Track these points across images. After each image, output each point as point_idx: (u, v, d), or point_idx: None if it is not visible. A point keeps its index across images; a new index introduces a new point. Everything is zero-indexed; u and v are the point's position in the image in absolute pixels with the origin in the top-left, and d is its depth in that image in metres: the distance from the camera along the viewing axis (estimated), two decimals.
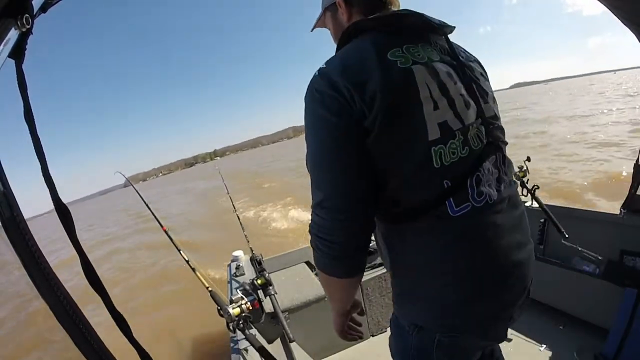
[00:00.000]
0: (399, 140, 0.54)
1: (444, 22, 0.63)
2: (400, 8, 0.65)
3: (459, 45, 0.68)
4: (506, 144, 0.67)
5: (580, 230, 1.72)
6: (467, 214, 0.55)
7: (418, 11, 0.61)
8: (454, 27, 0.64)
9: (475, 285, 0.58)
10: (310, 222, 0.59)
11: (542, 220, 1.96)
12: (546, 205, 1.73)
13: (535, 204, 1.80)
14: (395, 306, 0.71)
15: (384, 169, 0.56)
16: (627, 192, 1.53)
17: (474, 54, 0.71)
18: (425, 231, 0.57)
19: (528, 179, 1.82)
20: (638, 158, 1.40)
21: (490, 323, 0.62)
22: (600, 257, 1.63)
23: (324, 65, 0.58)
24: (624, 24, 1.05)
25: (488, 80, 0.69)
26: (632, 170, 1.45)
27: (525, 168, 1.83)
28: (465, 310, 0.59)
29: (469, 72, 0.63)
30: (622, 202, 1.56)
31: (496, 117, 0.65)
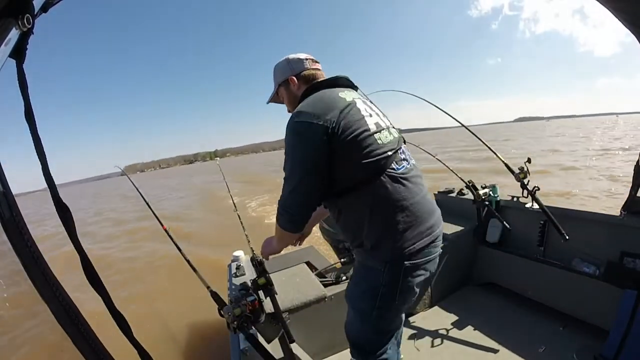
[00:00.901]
0: (358, 136, 0.88)
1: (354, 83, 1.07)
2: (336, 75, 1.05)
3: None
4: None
5: (581, 231, 1.71)
6: (404, 171, 0.93)
7: (344, 75, 1.04)
8: (357, 86, 1.08)
9: (421, 213, 0.93)
10: (280, 198, 0.94)
11: (542, 221, 1.95)
12: (546, 206, 1.72)
13: (536, 205, 1.79)
14: (361, 257, 1.00)
15: (355, 151, 0.87)
16: (627, 194, 1.53)
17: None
18: (388, 181, 0.89)
19: (529, 181, 1.80)
20: (638, 160, 1.40)
21: (430, 242, 0.94)
22: (600, 259, 1.63)
23: (301, 109, 0.90)
24: (625, 26, 1.05)
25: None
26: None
27: (525, 169, 1.81)
28: (418, 232, 0.91)
29: (375, 105, 1.05)
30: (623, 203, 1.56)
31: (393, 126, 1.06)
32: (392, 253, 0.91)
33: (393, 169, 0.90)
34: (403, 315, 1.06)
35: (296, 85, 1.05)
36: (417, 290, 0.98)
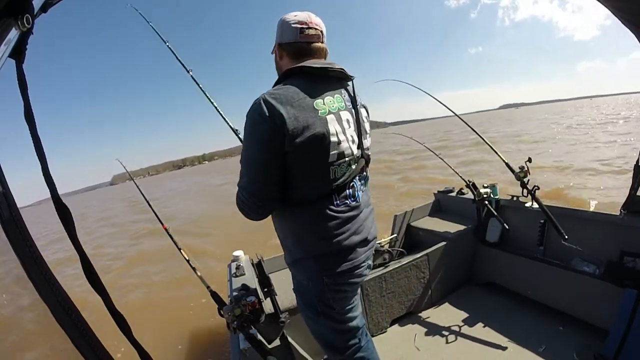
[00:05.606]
0: (314, 161, 0.82)
1: (350, 74, 0.92)
2: (327, 60, 0.90)
3: (357, 93, 0.96)
4: (368, 165, 0.99)
5: (580, 231, 1.71)
6: (343, 209, 0.88)
7: (337, 64, 0.87)
8: (354, 77, 0.94)
9: (347, 245, 0.89)
10: (237, 193, 0.87)
11: (542, 221, 1.95)
12: (546, 205, 1.72)
13: (536, 205, 1.79)
14: (293, 270, 0.99)
15: (298, 176, 0.82)
16: (627, 193, 1.53)
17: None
18: (321, 213, 0.86)
19: (529, 180, 1.80)
20: (638, 159, 1.40)
21: (355, 267, 0.92)
22: (600, 258, 1.63)
23: (267, 96, 0.78)
24: (625, 25, 1.05)
25: (369, 121, 0.98)
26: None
27: (526, 169, 1.81)
28: (338, 259, 0.89)
29: (359, 116, 0.92)
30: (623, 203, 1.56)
31: (368, 149, 0.97)
32: (313, 270, 0.91)
33: (331, 204, 0.86)
34: (360, 312, 1.08)
35: (278, 54, 0.92)
36: (353, 297, 1.01)
